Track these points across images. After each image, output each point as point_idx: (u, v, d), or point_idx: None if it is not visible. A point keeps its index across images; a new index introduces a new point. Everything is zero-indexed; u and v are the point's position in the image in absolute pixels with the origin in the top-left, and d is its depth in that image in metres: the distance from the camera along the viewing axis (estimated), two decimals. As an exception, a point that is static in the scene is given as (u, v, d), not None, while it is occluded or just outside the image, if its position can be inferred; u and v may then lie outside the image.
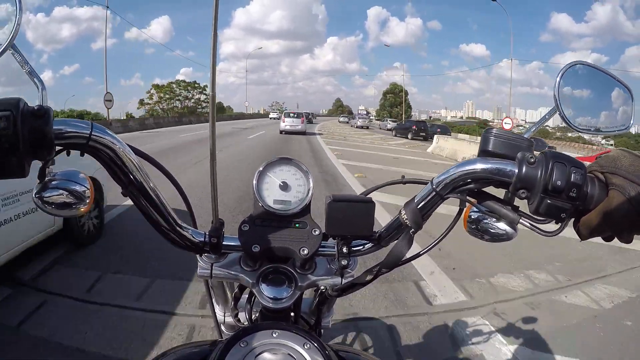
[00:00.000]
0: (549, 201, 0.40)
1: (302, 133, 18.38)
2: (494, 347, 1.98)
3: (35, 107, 0.39)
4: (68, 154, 0.43)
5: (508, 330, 2.12)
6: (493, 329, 2.13)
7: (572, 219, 0.43)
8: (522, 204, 0.46)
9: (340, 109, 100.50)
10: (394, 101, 70.24)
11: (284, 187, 0.52)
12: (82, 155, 0.43)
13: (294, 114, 19.59)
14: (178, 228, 0.50)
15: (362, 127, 36.23)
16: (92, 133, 0.42)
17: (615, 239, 0.43)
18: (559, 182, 0.39)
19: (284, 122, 18.86)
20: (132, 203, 0.47)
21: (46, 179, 0.43)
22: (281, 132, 18.30)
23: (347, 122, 43.48)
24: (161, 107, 42.62)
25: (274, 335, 0.43)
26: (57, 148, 0.42)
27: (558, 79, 0.48)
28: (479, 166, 0.44)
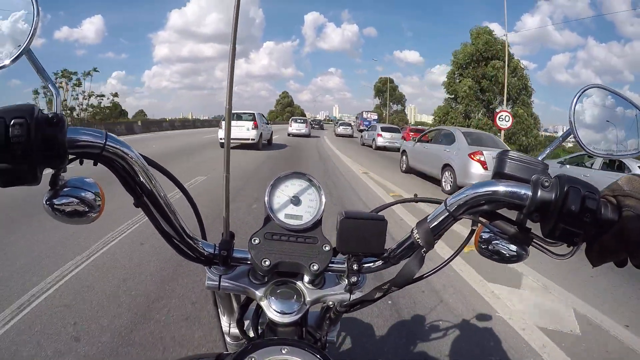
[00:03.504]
0: (562, 225, 0.40)
1: (307, 136, 20.85)
2: None
3: (50, 115, 0.38)
4: (81, 162, 0.43)
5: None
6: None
7: (584, 244, 0.43)
8: (534, 226, 0.46)
9: (288, 110, 72.16)
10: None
11: (296, 201, 0.52)
12: (95, 165, 0.43)
13: (301, 120, 21.84)
14: (188, 240, 0.50)
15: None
16: (107, 143, 0.41)
17: (629, 264, 0.43)
18: (573, 207, 0.39)
19: (291, 126, 20.85)
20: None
21: (57, 186, 0.43)
22: (289, 134, 20.42)
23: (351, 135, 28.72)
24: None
25: (283, 351, 0.43)
26: (70, 157, 0.41)
27: (574, 102, 0.48)
28: (494, 188, 0.43)
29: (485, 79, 24.40)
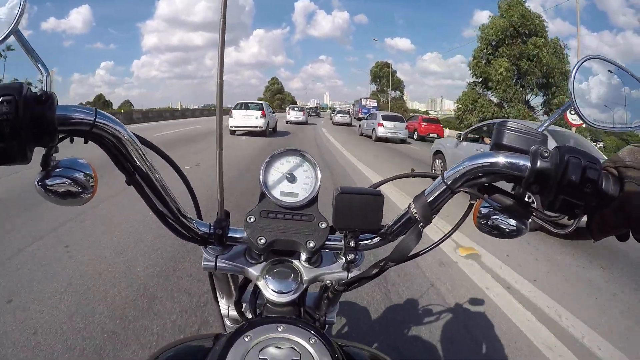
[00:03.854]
0: (563, 197, 0.39)
1: (304, 123, 21.83)
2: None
3: (39, 93, 0.38)
4: (71, 140, 0.42)
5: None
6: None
7: (585, 217, 0.42)
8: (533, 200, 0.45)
9: (278, 97, 66.74)
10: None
11: (291, 178, 0.51)
12: (85, 142, 0.42)
13: (298, 108, 22.81)
14: (183, 219, 0.50)
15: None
16: (96, 120, 0.41)
17: (631, 237, 0.42)
18: (573, 177, 0.38)
19: (289, 114, 21.95)
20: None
21: (49, 167, 0.43)
22: (287, 122, 21.24)
23: (349, 124, 27.70)
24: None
25: (279, 329, 0.42)
26: (60, 135, 0.41)
27: (573, 72, 0.47)
28: (492, 160, 0.43)
29: (525, 59, 20.34)
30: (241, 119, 12.47)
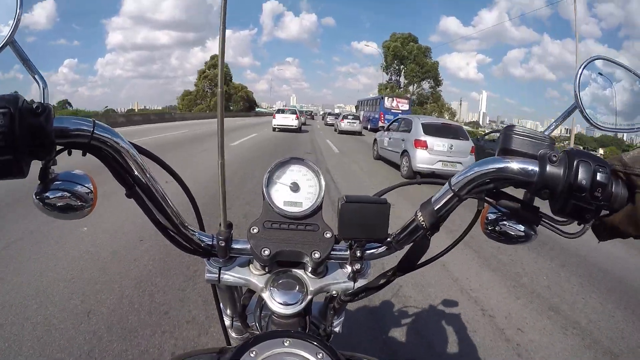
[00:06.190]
0: (573, 201, 0.38)
1: (297, 130, 18.32)
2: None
3: (35, 105, 0.37)
4: (69, 153, 0.41)
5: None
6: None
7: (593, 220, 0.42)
8: (542, 205, 0.44)
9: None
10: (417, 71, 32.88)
11: (294, 188, 0.50)
12: (84, 155, 0.42)
13: (290, 110, 20.17)
14: (185, 231, 0.49)
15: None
16: (94, 131, 0.40)
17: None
18: (583, 182, 0.37)
19: (275, 118, 18.62)
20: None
21: (47, 179, 0.42)
22: (274, 129, 17.88)
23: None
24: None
25: (285, 344, 0.41)
26: (58, 148, 0.40)
27: (578, 73, 0.46)
28: (499, 165, 0.42)
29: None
30: (281, 119, 18.13)
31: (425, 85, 35.60)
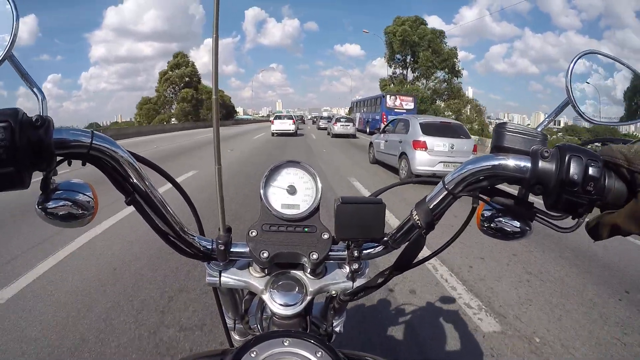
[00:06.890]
0: (566, 196, 0.39)
1: (294, 134, 19.98)
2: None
3: (34, 118, 0.38)
4: (69, 164, 0.42)
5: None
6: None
7: (588, 215, 0.42)
8: (536, 201, 0.44)
9: (187, 93, 34.88)
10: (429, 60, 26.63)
11: (291, 190, 0.51)
12: (83, 164, 0.43)
13: (286, 116, 22.13)
14: (184, 236, 0.49)
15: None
16: (93, 142, 0.41)
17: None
18: (575, 176, 0.38)
19: (273, 124, 20.86)
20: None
21: (49, 189, 0.43)
22: (273, 134, 19.54)
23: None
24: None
25: (285, 343, 0.42)
26: (58, 158, 0.41)
27: (570, 68, 0.46)
28: (492, 162, 0.42)
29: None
30: (280, 125, 19.82)
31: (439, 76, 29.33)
